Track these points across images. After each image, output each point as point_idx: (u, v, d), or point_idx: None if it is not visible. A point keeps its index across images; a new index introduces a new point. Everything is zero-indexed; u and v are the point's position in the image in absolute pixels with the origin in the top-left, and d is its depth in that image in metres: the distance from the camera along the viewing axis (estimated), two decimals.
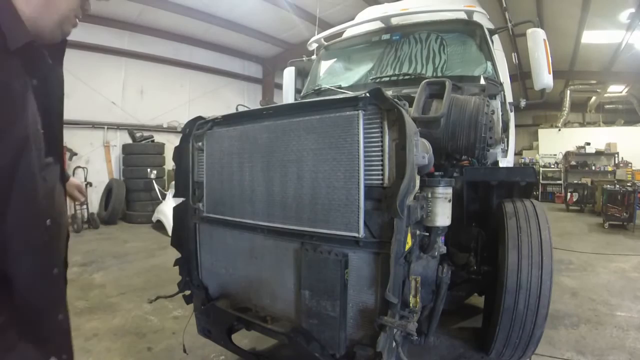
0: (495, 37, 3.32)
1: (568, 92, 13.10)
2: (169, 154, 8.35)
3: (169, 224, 6.42)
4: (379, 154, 1.51)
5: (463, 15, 3.21)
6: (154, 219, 7.55)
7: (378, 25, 3.56)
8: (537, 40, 2.95)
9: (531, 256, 2.12)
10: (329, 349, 1.61)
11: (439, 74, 2.92)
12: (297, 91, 4.32)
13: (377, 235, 1.52)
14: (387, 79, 3.06)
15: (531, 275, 2.09)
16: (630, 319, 3.27)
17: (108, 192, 8.17)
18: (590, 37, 9.34)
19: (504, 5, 4.68)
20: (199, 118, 2.16)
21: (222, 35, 9.81)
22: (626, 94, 13.33)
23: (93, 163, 8.39)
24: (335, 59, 3.84)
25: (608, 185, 8.47)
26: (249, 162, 1.90)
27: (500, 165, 2.87)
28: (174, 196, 2.30)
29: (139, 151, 8.49)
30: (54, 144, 1.01)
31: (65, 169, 1.20)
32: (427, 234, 1.78)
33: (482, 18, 3.28)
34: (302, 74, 4.39)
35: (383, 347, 1.45)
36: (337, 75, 3.64)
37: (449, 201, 1.82)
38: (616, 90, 13.35)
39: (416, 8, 3.44)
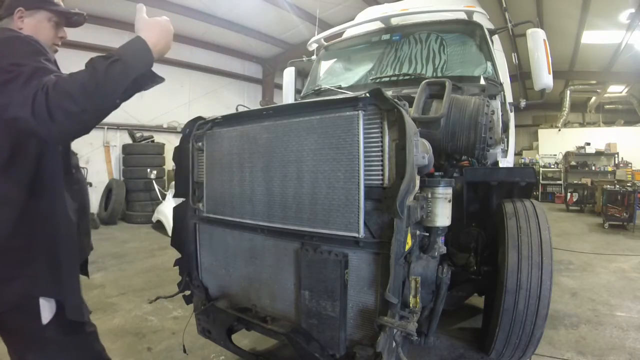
0: (495, 38, 3.32)
1: (568, 92, 13.10)
2: (169, 154, 8.34)
3: (168, 224, 6.42)
4: (379, 154, 1.51)
5: (463, 16, 3.21)
6: (154, 219, 7.55)
7: (378, 25, 3.56)
8: (537, 40, 2.95)
9: (531, 256, 2.12)
10: (328, 349, 1.61)
11: (439, 74, 2.92)
12: (297, 91, 4.32)
13: (377, 236, 1.52)
14: (387, 79, 3.06)
15: (531, 276, 2.09)
16: (630, 319, 3.27)
17: (108, 192, 8.16)
18: (590, 37, 9.34)
19: (504, 5, 4.68)
20: (199, 118, 2.16)
21: (222, 35, 9.81)
22: (626, 94, 13.33)
23: (93, 163, 8.37)
24: (335, 59, 3.84)
25: (608, 186, 8.47)
26: (249, 163, 1.89)
27: (500, 165, 2.87)
28: (174, 196, 2.30)
29: (138, 151, 8.49)
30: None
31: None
32: (427, 234, 1.78)
33: (482, 18, 3.28)
34: (302, 74, 4.40)
35: (383, 347, 1.45)
36: (337, 76, 3.64)
37: (449, 201, 1.82)
38: (616, 90, 13.35)
39: (416, 8, 3.44)
